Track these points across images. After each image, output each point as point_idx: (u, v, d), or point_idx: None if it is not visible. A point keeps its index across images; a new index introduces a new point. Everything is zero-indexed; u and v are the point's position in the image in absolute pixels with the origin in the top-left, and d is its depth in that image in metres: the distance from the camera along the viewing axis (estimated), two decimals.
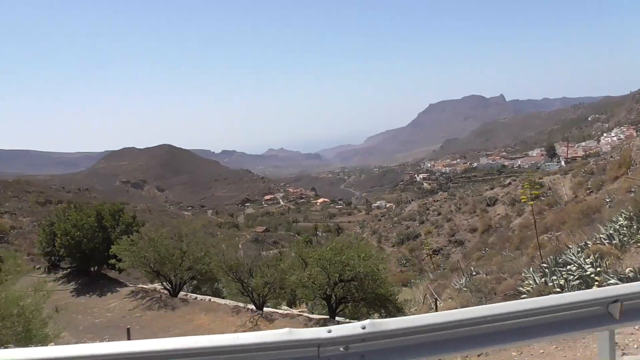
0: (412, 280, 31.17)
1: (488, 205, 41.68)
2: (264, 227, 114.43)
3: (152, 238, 16.87)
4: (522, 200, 14.66)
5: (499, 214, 39.15)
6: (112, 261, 17.03)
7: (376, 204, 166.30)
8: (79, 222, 18.60)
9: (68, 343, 13.70)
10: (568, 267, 10.94)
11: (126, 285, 18.98)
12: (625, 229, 12.33)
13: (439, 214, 45.31)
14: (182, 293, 18.92)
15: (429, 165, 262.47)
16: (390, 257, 44.54)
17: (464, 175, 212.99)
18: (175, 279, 17.18)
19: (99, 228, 18.77)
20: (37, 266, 22.21)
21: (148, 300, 16.56)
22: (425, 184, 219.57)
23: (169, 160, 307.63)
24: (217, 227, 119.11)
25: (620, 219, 13.08)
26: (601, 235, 12.79)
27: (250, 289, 14.82)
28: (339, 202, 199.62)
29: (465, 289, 14.55)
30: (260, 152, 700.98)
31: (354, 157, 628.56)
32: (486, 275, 16.69)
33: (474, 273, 18.59)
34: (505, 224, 37.40)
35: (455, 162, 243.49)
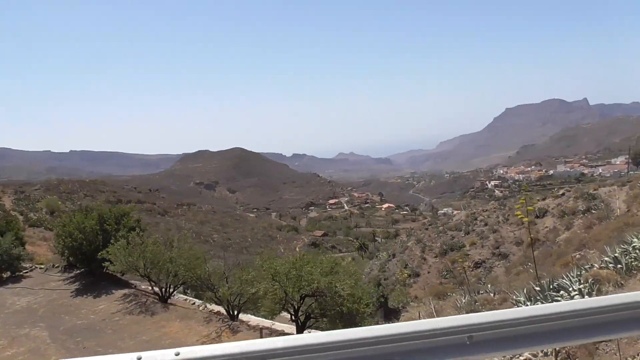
0: (448, 293, 29.88)
1: (537, 217, 39.08)
2: (322, 232, 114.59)
3: (138, 243, 17.01)
4: (518, 216, 13.39)
5: (546, 227, 36.60)
6: (106, 264, 17.34)
7: (442, 211, 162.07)
8: (81, 224, 19.12)
9: (45, 343, 14.07)
10: (561, 292, 9.99)
11: (124, 288, 19.27)
12: (638, 251, 11.02)
13: (486, 224, 43.10)
14: (181, 297, 19.01)
15: (501, 172, 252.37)
16: (431, 268, 43.08)
17: (538, 183, 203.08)
18: (164, 284, 17.25)
19: (101, 231, 19.19)
20: (57, 265, 23.13)
21: (134, 304, 16.70)
22: (497, 191, 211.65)
23: (241, 163, 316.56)
24: (278, 229, 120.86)
25: (635, 240, 11.71)
26: (606, 258, 11.56)
27: (220, 298, 14.56)
28: (405, 207, 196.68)
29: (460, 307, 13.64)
30: (331, 156, 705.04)
31: (426, 162, 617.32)
32: (493, 294, 15.53)
33: (482, 291, 17.54)
34: (552, 237, 34.92)
35: (529, 169, 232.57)
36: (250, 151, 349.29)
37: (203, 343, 13.36)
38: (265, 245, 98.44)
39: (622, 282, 9.85)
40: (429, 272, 43.15)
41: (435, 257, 43.65)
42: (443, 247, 43.57)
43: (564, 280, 10.49)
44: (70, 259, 20.16)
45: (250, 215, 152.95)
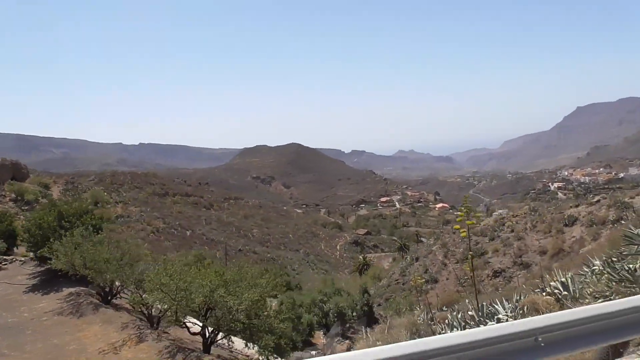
0: (459, 303, 28.16)
1: (566, 225, 36.11)
2: (366, 230, 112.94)
3: (78, 243, 16.64)
4: (456, 229, 11.82)
5: (574, 237, 33.68)
6: (52, 262, 17.09)
7: (497, 213, 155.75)
8: (38, 221, 19.06)
9: None
10: (496, 318, 8.83)
11: (75, 286, 18.92)
12: (596, 276, 9.45)
13: (512, 230, 40.41)
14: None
15: (566, 173, 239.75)
16: (450, 275, 40.92)
17: (606, 186, 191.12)
18: (105, 285, 16.83)
19: (59, 227, 19.03)
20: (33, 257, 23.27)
21: (71, 304, 16.32)
22: (560, 194, 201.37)
23: (297, 159, 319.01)
24: (322, 226, 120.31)
25: (597, 263, 10.08)
26: (552, 283, 10.08)
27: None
28: (461, 208, 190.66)
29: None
30: (390, 154, 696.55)
31: (489, 162, 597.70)
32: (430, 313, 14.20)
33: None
34: (577, 248, 32.12)
35: (597, 171, 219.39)
36: (307, 147, 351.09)
37: (103, 351, 12.74)
38: (305, 242, 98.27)
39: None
40: (447, 279, 41.12)
41: (457, 262, 41.49)
42: (465, 252, 41.29)
43: (498, 307, 9.19)
44: (31, 254, 20.21)
45: (298, 211, 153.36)
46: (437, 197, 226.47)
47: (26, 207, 62.59)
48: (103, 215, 66.55)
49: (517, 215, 44.57)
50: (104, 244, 17.19)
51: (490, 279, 37.48)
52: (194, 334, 12.97)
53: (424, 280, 38.04)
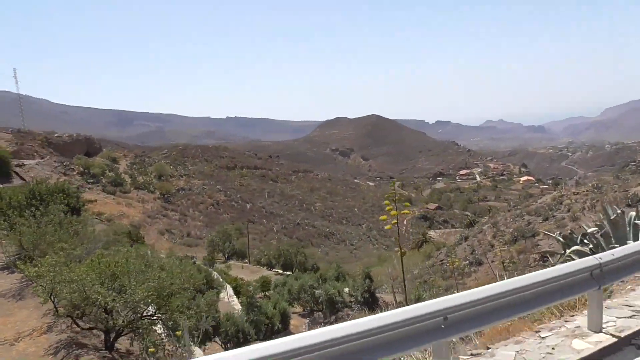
0: None
1: (629, 205, 31.44)
2: (436, 205, 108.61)
3: (37, 224, 15.97)
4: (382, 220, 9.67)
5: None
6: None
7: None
8: (10, 199, 18.80)
9: None
10: None
11: None
12: None
13: (569, 210, 36.05)
14: None
15: None
16: (496, 257, 37.45)
17: None
18: None
19: (29, 207, 18.65)
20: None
21: (23, 285, 15.84)
22: None
23: (376, 131, 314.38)
24: (393, 201, 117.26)
25: None
26: None
27: None
28: (548, 181, 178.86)
29: None
30: (478, 124, 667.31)
31: (586, 131, 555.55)
32: None
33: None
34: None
35: None
36: (386, 118, 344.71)
37: (5, 340, 11.93)
38: (370, 217, 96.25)
39: None
40: (492, 261, 37.74)
41: (505, 244, 37.85)
42: (514, 233, 37.55)
43: None
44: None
45: (370, 184, 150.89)
46: (524, 170, 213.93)
47: (92, 180, 66.07)
48: (163, 187, 68.81)
49: (578, 193, 39.82)
50: (55, 226, 16.41)
51: (538, 263, 33.87)
52: (88, 329, 11.80)
53: (465, 262, 35.21)
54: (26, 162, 62.56)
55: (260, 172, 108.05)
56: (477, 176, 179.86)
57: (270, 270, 34.50)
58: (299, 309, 22.46)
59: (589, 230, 7.87)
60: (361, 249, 73.91)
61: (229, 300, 19.94)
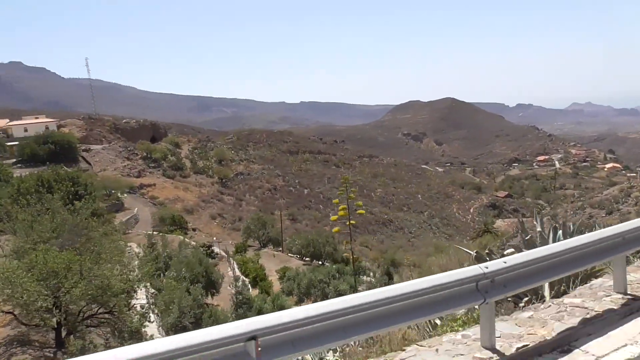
0: None
1: None
2: (506, 193, 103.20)
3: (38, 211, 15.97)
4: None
5: None
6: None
7: None
8: (20, 186, 19.08)
9: None
10: None
11: None
12: None
13: (636, 204, 32.42)
14: None
15: None
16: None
17: None
18: None
19: (35, 193, 18.85)
20: None
21: None
22: None
23: (451, 114, 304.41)
24: (460, 187, 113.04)
25: None
26: None
27: None
28: (638, 169, 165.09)
29: None
30: (562, 107, 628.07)
31: None
32: None
33: None
34: None
35: None
36: (462, 101, 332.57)
37: None
38: (433, 204, 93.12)
39: None
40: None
41: None
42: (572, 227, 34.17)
43: None
44: None
45: (439, 170, 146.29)
46: (610, 157, 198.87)
47: (153, 164, 68.33)
48: (221, 172, 69.84)
49: None
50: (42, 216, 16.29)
51: None
52: (35, 325, 11.38)
53: None
54: (93, 147, 65.80)
55: (323, 157, 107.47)
56: (557, 162, 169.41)
57: (302, 259, 33.71)
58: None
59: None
60: (420, 237, 71.45)
61: (235, 291, 19.21)
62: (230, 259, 25.10)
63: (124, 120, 79.58)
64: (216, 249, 26.96)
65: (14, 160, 56.93)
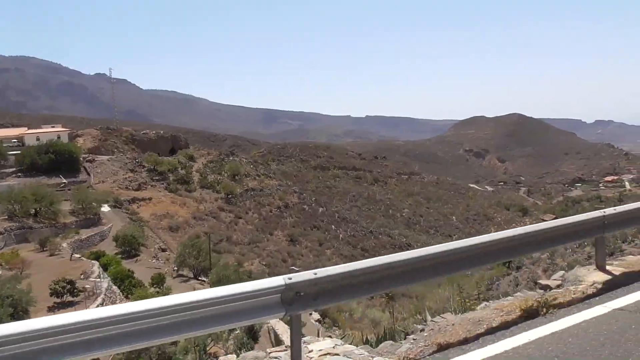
0: None
1: None
2: (554, 216, 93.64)
3: None
4: None
5: None
6: None
7: None
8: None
9: None
10: None
11: None
12: None
13: None
14: None
15: None
16: None
17: None
18: None
19: None
20: None
21: None
22: None
23: (517, 130, 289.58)
24: (505, 208, 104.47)
25: None
26: None
27: None
28: None
29: None
30: None
31: None
32: None
33: None
34: None
35: None
36: (529, 117, 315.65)
37: None
38: (468, 227, 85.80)
39: None
40: None
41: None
42: None
43: None
44: None
45: (489, 189, 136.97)
46: None
47: (157, 178, 66.81)
48: (227, 187, 67.16)
49: None
50: None
51: None
52: None
53: None
54: (99, 157, 65.24)
55: (357, 174, 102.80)
56: (627, 183, 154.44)
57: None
58: None
59: None
60: None
61: None
62: (100, 297, 21.28)
63: (142, 132, 79.18)
64: (91, 284, 23.20)
65: (14, 169, 57.09)
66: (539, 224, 5.83)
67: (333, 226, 68.22)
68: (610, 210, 6.10)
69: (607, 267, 6.10)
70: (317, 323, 20.74)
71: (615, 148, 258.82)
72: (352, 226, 70.08)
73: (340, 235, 65.14)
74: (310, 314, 20.08)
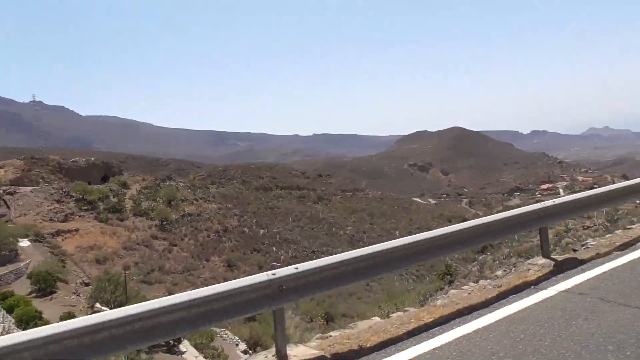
0: None
1: None
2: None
3: None
4: None
5: None
6: None
7: None
8: None
9: None
10: None
11: None
12: None
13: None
14: None
15: None
16: None
17: None
18: None
19: None
20: None
21: None
22: None
23: (458, 143, 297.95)
24: (447, 221, 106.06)
25: None
26: None
27: None
28: None
29: None
30: (579, 132, 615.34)
31: None
32: None
33: None
34: None
35: None
36: (469, 130, 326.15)
37: None
38: None
39: None
40: None
41: None
42: None
43: None
44: None
45: (432, 202, 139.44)
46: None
47: (86, 207, 63.70)
48: (161, 214, 64.89)
49: None
50: None
51: None
52: None
53: None
54: (21, 189, 61.57)
55: (300, 193, 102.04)
56: (561, 191, 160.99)
57: None
58: None
59: None
60: (382, 280, 64.71)
61: None
62: None
63: (71, 160, 75.53)
64: None
65: None
66: (485, 217, 6.68)
67: (274, 248, 66.92)
68: (549, 203, 7.03)
69: (553, 256, 7.12)
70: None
71: (550, 157, 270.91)
72: (294, 247, 69.02)
73: (282, 257, 63.80)
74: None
